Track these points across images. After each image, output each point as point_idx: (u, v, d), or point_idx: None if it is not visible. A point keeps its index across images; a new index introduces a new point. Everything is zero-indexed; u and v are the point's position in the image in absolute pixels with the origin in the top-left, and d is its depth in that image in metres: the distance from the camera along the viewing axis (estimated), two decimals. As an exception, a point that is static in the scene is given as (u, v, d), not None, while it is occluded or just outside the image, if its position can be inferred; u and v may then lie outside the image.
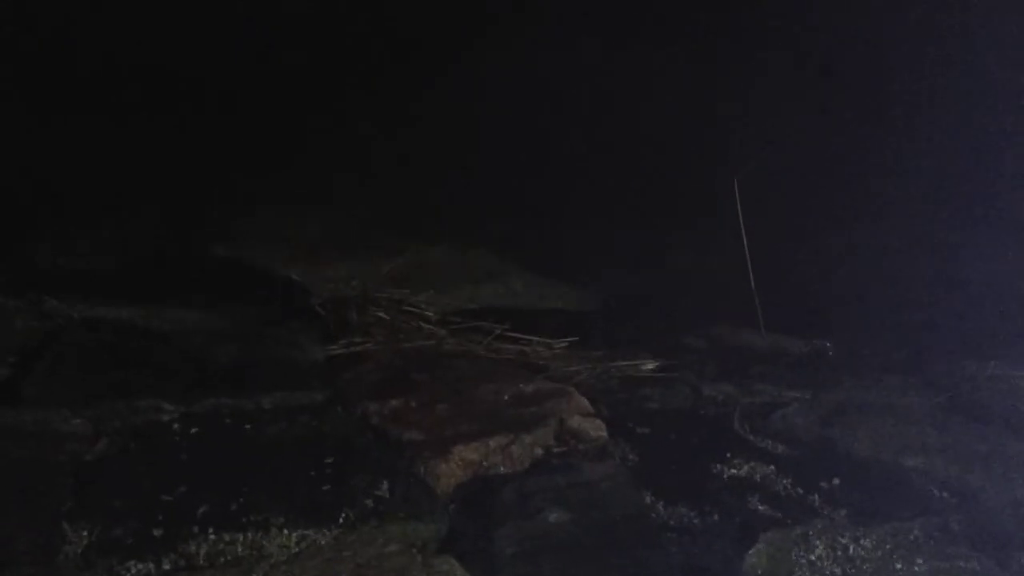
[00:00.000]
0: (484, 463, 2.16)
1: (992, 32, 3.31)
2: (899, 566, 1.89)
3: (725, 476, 2.26)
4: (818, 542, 1.97)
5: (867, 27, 3.56)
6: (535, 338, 3.08)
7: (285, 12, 3.58)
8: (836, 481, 2.24)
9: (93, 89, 3.44)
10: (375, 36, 3.82)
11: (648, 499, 2.11)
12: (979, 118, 3.41)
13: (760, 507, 2.11)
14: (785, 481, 2.24)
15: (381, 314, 3.12)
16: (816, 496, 2.17)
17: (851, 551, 1.95)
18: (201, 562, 1.75)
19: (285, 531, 1.84)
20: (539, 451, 2.26)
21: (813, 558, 1.92)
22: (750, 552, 1.90)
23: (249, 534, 1.82)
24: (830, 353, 3.24)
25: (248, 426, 2.24)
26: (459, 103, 3.75)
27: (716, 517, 2.05)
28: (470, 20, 3.76)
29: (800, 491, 2.20)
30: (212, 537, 1.80)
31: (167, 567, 1.72)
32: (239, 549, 1.79)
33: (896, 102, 3.56)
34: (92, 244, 3.27)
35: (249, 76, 3.66)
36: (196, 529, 1.82)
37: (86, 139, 3.43)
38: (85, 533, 1.77)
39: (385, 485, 2.03)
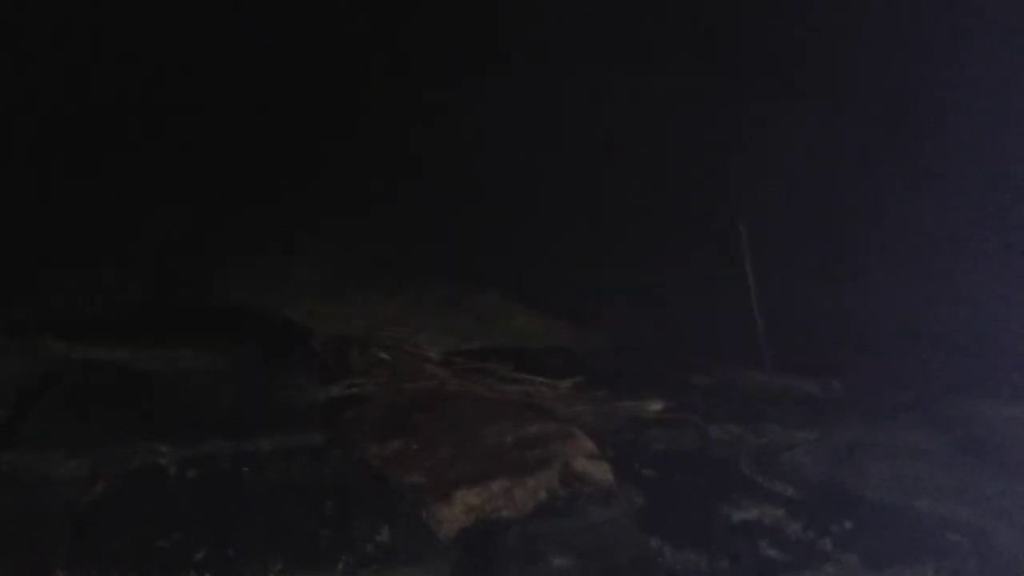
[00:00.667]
0: (487, 507, 2.12)
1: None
2: (914, 612, 1.85)
3: (734, 519, 2.23)
4: (830, 588, 1.93)
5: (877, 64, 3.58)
6: (539, 378, 3.05)
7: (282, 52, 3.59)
8: (847, 524, 2.20)
9: (86, 132, 3.45)
10: (374, 74, 3.85)
11: (655, 543, 2.07)
12: (992, 154, 3.41)
13: (770, 551, 2.08)
14: (795, 524, 2.20)
15: (383, 354, 3.10)
16: (827, 540, 2.13)
17: (864, 597, 1.91)
18: (196, 610, 1.72)
19: (283, 578, 1.81)
20: (543, 494, 2.22)
21: (825, 604, 1.88)
22: (760, 598, 1.87)
23: (246, 581, 1.79)
24: (838, 393, 3.21)
25: (246, 469, 2.21)
26: (461, 142, 3.76)
27: (725, 562, 2.02)
28: (472, 66, 3.78)
29: (811, 535, 2.16)
30: (208, 584, 1.77)
31: (162, 615, 1.69)
32: (235, 596, 1.76)
33: (906, 136, 3.56)
34: (91, 286, 3.26)
35: (246, 120, 3.68)
36: (193, 575, 1.78)
37: (81, 182, 3.43)
38: (80, 579, 1.75)
39: (386, 530, 2.00)
